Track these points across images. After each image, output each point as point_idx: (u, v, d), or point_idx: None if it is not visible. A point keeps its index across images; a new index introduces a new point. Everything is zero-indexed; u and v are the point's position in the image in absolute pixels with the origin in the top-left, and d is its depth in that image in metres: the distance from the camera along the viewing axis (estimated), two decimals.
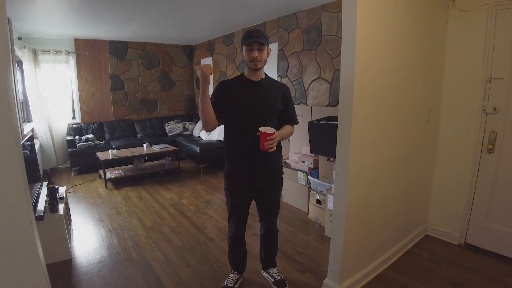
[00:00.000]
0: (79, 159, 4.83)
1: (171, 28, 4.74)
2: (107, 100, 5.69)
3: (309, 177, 3.06)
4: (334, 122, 2.72)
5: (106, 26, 4.46)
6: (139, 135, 5.80)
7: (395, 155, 2.23)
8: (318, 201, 2.96)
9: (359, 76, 1.74)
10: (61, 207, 2.61)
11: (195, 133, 5.76)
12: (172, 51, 6.26)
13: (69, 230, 2.90)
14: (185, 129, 5.95)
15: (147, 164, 4.94)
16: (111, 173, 4.40)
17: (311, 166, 3.08)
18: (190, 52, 6.49)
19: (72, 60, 5.28)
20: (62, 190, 2.97)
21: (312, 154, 3.12)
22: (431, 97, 2.51)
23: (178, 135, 5.83)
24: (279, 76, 4.22)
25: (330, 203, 2.62)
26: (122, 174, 4.41)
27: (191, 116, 6.48)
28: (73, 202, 3.73)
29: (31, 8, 3.41)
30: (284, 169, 3.33)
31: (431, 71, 2.45)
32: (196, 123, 6.03)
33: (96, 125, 5.46)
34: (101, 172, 4.54)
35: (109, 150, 4.32)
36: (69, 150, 4.82)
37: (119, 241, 2.77)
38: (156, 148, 4.76)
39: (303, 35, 3.76)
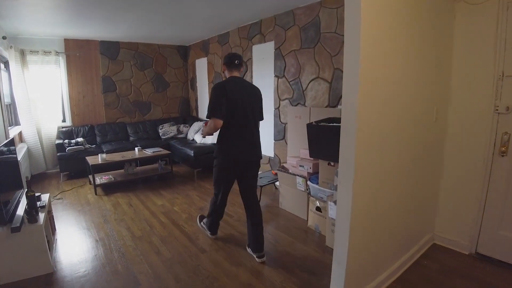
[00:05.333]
0: (69, 163, 4.64)
1: (163, 27, 4.57)
2: (99, 102, 5.50)
3: (308, 182, 2.89)
4: (335, 124, 2.55)
5: (96, 25, 4.27)
6: (131, 138, 5.61)
7: (402, 159, 2.06)
8: (318, 209, 2.78)
9: (364, 73, 1.58)
10: (41, 216, 2.41)
11: (190, 136, 5.57)
12: (166, 52, 6.09)
13: (51, 241, 2.70)
14: (179, 132, 5.76)
15: (139, 168, 4.74)
16: (100, 179, 4.20)
17: (310, 170, 2.90)
18: (184, 52, 6.32)
19: (62, 61, 5.09)
20: (44, 197, 2.78)
21: (311, 158, 2.94)
22: (438, 96, 2.35)
23: (172, 138, 5.64)
24: (275, 76, 4.05)
25: (331, 211, 2.44)
26: (113, 179, 4.21)
27: (186, 118, 6.29)
28: (60, 210, 3.53)
29: (16, 6, 3.23)
30: (281, 173, 3.14)
31: (438, 69, 2.29)
32: (190, 125, 5.84)
33: (87, 128, 5.26)
34: (91, 177, 4.34)
35: (99, 155, 4.13)
36: (58, 154, 4.62)
37: (105, 252, 2.58)
38: (148, 152, 4.57)
39: (301, 32, 3.59)
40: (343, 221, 1.75)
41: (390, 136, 1.90)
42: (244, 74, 4.63)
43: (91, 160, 4.18)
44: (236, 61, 2.29)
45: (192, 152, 4.63)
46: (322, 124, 2.66)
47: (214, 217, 2.66)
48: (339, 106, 3.21)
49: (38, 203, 2.60)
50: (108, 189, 4.21)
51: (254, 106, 2.32)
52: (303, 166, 2.95)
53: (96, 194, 4.04)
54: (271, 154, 4.30)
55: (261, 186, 3.44)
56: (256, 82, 4.45)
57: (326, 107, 3.37)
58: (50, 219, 2.86)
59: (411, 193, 2.26)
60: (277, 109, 4.11)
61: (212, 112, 2.18)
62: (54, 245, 2.72)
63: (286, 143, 3.96)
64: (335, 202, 2.31)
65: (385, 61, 1.74)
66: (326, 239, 2.62)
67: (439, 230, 2.61)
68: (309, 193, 2.96)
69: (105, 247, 2.66)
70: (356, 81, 1.57)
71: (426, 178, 2.41)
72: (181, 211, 3.43)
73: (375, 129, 1.76)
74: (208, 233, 2.80)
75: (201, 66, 5.80)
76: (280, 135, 4.10)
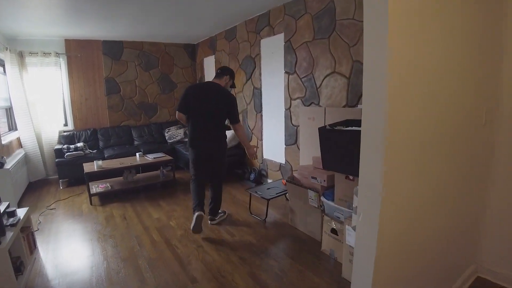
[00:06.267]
0: (67, 170, 4.38)
1: (167, 22, 4.23)
2: (102, 105, 5.24)
3: (322, 198, 2.40)
4: (354, 128, 2.06)
5: (96, 22, 4.00)
6: (136, 142, 5.31)
7: (444, 174, 1.55)
8: (333, 231, 2.29)
9: (394, 64, 1.10)
10: (8, 236, 2.08)
11: None
12: (172, 51, 5.76)
13: (26, 262, 2.38)
14: (186, 135, 5.40)
15: (140, 175, 4.42)
16: (97, 187, 3.89)
17: (325, 184, 2.41)
18: (192, 51, 5.97)
19: (62, 62, 4.87)
20: (20, 212, 2.46)
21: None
22: (488, 94, 1.81)
23: (178, 142, 5.29)
24: (286, 72, 3.58)
25: (350, 237, 1.95)
26: (110, 188, 3.89)
27: None
28: (49, 222, 3.24)
29: (12, 4, 2.99)
30: (291, 185, 2.70)
31: (487, 59, 1.75)
32: None
33: (89, 132, 5.01)
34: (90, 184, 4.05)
35: (94, 161, 3.82)
36: (56, 160, 4.37)
37: (82, 277, 2.22)
38: (150, 157, 4.23)
39: (313, 21, 3.11)
40: (364, 254, 1.27)
41: (430, 145, 1.40)
42: (252, 71, 4.19)
43: (86, 167, 3.89)
44: (218, 71, 2.89)
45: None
46: (337, 128, 2.17)
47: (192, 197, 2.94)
48: (359, 106, 2.71)
49: (11, 219, 2.29)
50: (105, 198, 3.90)
51: (213, 107, 2.72)
52: (315, 178, 2.46)
53: (91, 204, 3.73)
54: (282, 161, 3.83)
55: (268, 199, 2.98)
56: (264, 80, 4.00)
57: (344, 107, 2.87)
58: (27, 237, 2.54)
59: (453, 218, 1.74)
60: (287, 110, 3.64)
61: (178, 105, 2.84)
62: (30, 266, 2.40)
63: (299, 149, 3.48)
64: (354, 228, 1.82)
65: (420, 48, 1.24)
66: (343, 268, 2.13)
67: (484, 260, 2.06)
68: (323, 211, 2.48)
69: (86, 270, 2.30)
70: (384, 70, 1.10)
71: (471, 197, 1.88)
72: (177, 226, 3.04)
73: (412, 137, 1.27)
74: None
75: (209, 64, 5.42)
76: (292, 139, 3.63)
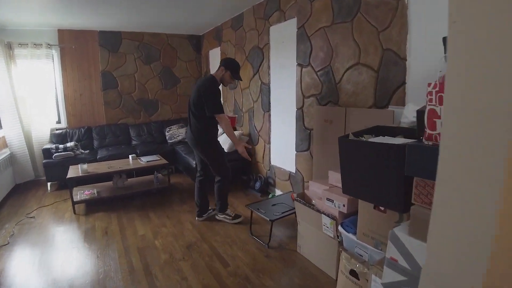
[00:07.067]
0: (56, 172, 3.97)
1: (169, 10, 3.76)
2: (98, 101, 4.83)
3: (340, 228, 1.83)
4: (391, 139, 1.48)
5: (93, 12, 3.63)
6: (134, 142, 4.87)
7: None
8: (353, 273, 1.72)
9: None
10: None
11: None
12: (175, 42, 5.27)
13: None
14: None
15: (133, 180, 3.97)
16: (82, 193, 3.46)
17: (344, 209, 1.84)
18: (197, 43, 5.46)
19: (55, 54, 4.47)
20: None
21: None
22: None
23: (179, 142, 4.82)
24: (298, 65, 3.01)
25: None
26: (96, 194, 3.45)
27: None
28: (23, 234, 2.84)
29: None
30: (300, 206, 2.06)
31: None
32: None
33: (83, 130, 4.61)
34: (75, 189, 3.64)
35: (79, 165, 3.39)
36: (43, 161, 3.98)
37: None
38: (143, 161, 3.77)
39: (332, 2, 2.52)
40: None
41: None
42: (260, 64, 3.64)
43: (71, 171, 3.47)
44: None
45: (194, 162, 3.74)
46: (365, 138, 1.59)
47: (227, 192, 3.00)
48: (390, 107, 2.11)
49: None
50: (91, 206, 3.47)
51: (192, 99, 2.72)
52: (332, 201, 1.89)
53: (75, 212, 3.30)
54: (292, 169, 3.27)
55: (272, 221, 2.43)
56: (274, 74, 3.45)
57: (370, 107, 2.27)
58: None
59: None
60: (300, 109, 3.07)
61: None
62: None
63: (312, 157, 2.91)
64: (379, 276, 1.25)
65: None
66: None
67: None
68: (340, 243, 1.91)
69: None
70: None
71: None
72: (163, 247, 2.54)
73: None
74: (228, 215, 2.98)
75: (215, 57, 4.90)
76: (304, 144, 3.06)
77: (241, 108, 4.27)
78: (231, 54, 4.31)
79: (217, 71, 2.74)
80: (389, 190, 1.33)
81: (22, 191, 4.05)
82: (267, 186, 3.73)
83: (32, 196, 3.88)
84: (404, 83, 2.03)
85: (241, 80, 3.05)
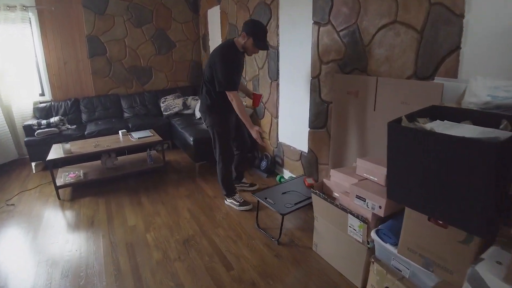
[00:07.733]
0: (39, 151, 3.56)
1: None
2: (85, 70, 4.31)
3: (373, 234, 1.43)
4: (454, 129, 1.02)
5: None
6: (126, 115, 4.42)
7: None
8: None
9: None
10: None
11: (198, 113, 4.22)
12: (170, 2, 4.61)
13: None
14: (185, 106, 4.44)
15: (125, 158, 3.57)
16: (66, 175, 3.09)
17: (380, 213, 1.42)
18: (193, 1, 4.79)
19: (32, 17, 3.89)
20: None
21: (383, 185, 1.46)
22: None
23: (176, 114, 4.36)
24: (315, 23, 2.45)
25: None
26: (82, 177, 3.08)
27: (196, 88, 4.92)
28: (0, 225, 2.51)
29: None
30: (319, 200, 1.63)
31: None
32: None
33: (69, 103, 4.14)
34: (60, 170, 3.28)
35: (61, 144, 2.98)
36: (25, 139, 3.57)
37: None
38: (134, 137, 3.34)
39: None
40: None
41: None
42: (267, 24, 3.06)
43: (53, 151, 3.07)
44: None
45: (192, 138, 3.31)
46: (420, 124, 1.12)
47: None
48: (437, 79, 1.62)
49: None
50: (77, 190, 3.11)
51: (204, 70, 2.42)
52: (364, 201, 1.47)
53: (59, 198, 2.95)
54: (304, 148, 2.83)
55: (283, 215, 2.04)
56: (283, 35, 2.90)
57: (409, 78, 1.78)
58: None
59: None
60: (315, 78, 2.56)
61: None
62: None
63: (329, 135, 2.46)
64: None
65: None
66: None
67: None
68: (370, 249, 1.52)
69: None
70: None
71: None
72: (155, 242, 2.19)
73: None
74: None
75: (214, 18, 4.28)
76: (320, 120, 2.59)
77: (244, 76, 3.75)
78: (232, 13, 3.69)
79: (238, 38, 2.32)
80: (466, 204, 0.89)
81: (5, 172, 3.69)
82: (274, 166, 3.33)
83: (15, 178, 3.52)
84: (458, 47, 1.51)
85: (267, 50, 2.56)
